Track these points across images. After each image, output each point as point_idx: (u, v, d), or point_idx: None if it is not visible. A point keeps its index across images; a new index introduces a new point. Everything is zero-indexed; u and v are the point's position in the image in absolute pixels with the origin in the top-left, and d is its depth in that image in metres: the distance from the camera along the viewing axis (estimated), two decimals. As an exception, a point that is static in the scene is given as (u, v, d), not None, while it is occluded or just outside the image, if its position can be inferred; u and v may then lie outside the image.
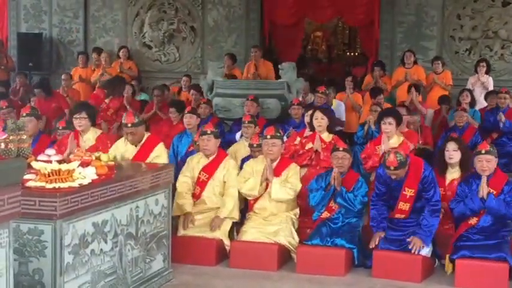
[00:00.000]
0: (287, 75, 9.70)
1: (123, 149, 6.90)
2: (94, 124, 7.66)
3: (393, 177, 6.30)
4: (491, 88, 11.16)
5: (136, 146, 6.92)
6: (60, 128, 8.10)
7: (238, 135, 8.73)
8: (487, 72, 11.33)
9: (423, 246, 6.18)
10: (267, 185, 6.90)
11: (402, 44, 12.83)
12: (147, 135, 7.07)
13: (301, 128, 8.40)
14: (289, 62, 10.22)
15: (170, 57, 13.98)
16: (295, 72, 9.83)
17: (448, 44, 12.74)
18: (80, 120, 7.35)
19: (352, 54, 19.43)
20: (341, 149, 6.86)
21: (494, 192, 6.20)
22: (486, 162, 6.28)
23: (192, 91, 10.63)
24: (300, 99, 9.71)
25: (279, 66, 10.06)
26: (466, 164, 6.73)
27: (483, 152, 6.31)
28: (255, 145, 7.46)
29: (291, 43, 13.96)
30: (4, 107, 9.20)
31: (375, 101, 9.87)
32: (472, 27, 12.64)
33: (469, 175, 6.52)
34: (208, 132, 7.02)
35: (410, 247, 6.17)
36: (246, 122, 8.18)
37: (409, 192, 6.32)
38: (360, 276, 6.33)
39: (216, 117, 9.44)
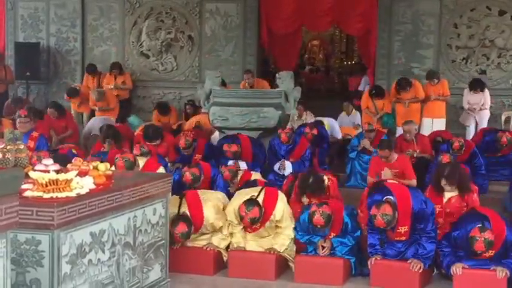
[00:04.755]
0: (284, 84, 9.69)
1: None
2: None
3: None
4: (488, 103, 11.21)
5: None
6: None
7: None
8: (482, 90, 11.26)
9: (421, 268, 6.13)
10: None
11: (399, 52, 12.89)
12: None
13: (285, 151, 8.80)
14: (287, 71, 10.22)
15: (168, 66, 14.00)
16: (292, 81, 9.82)
17: (445, 53, 12.78)
18: None
19: (349, 63, 19.47)
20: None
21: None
22: None
23: (187, 106, 10.72)
24: (291, 125, 9.84)
25: (277, 75, 10.05)
26: (463, 185, 6.76)
27: None
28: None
29: (289, 52, 14.00)
30: (23, 116, 9.14)
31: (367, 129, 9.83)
32: (469, 36, 12.69)
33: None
34: None
35: (410, 268, 6.10)
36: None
37: (403, 229, 6.18)
38: (357, 285, 6.33)
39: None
